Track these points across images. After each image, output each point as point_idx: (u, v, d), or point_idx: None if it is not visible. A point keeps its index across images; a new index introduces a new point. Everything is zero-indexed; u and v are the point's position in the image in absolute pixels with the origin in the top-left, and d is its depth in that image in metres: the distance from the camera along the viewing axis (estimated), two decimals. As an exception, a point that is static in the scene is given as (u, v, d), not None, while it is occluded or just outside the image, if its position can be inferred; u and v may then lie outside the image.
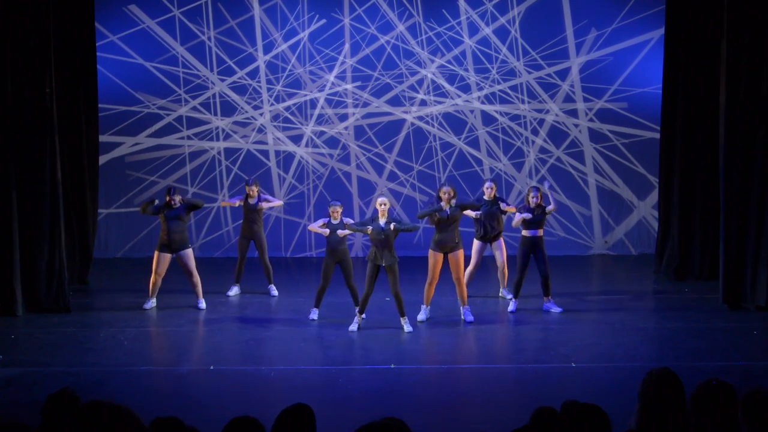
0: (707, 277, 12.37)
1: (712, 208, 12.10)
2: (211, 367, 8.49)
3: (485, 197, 11.06)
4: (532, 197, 10.54)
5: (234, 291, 11.70)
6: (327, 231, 10.23)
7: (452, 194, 10.01)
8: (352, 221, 10.53)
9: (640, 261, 14.21)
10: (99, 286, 12.47)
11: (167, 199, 10.77)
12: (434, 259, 10.09)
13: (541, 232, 10.59)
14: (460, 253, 10.10)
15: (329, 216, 10.33)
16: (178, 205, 10.78)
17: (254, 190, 11.54)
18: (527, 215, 10.48)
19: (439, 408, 7.43)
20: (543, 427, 4.08)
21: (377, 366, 8.55)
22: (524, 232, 10.60)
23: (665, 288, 12.25)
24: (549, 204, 10.77)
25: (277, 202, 12.02)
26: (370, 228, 9.67)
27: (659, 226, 13.23)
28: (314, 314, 10.35)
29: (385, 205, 9.76)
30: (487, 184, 11.12)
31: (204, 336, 9.91)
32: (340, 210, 10.29)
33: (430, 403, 7.54)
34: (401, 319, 9.82)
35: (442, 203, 9.99)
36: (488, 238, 11.12)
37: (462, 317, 10.22)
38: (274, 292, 11.68)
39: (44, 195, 10.59)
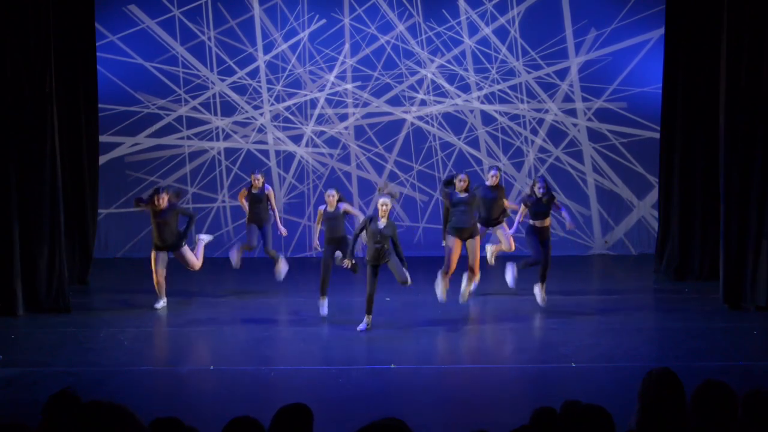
0: (707, 277, 12.36)
1: (712, 208, 12.09)
2: (211, 367, 8.49)
3: (488, 183, 11.21)
4: (538, 188, 10.52)
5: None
6: (317, 244, 10.25)
7: (467, 183, 10.05)
8: (347, 205, 10.30)
9: (640, 261, 14.21)
10: (99, 286, 12.47)
11: (154, 198, 10.64)
12: (451, 243, 9.92)
13: (547, 222, 10.61)
14: (478, 240, 10.07)
15: (325, 204, 10.24)
16: (166, 206, 10.66)
17: (260, 179, 11.63)
18: (512, 230, 10.76)
19: (439, 408, 7.43)
20: (543, 427, 4.08)
21: (377, 366, 8.55)
22: (530, 222, 10.62)
23: (665, 288, 12.24)
24: (560, 207, 10.79)
25: (276, 209, 11.98)
26: (363, 224, 9.49)
27: (659, 225, 13.23)
28: (324, 309, 10.24)
29: (386, 206, 9.41)
30: (492, 172, 11.24)
31: (204, 336, 9.91)
32: (336, 196, 10.21)
33: (430, 403, 7.53)
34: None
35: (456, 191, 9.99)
36: (490, 223, 11.23)
37: (468, 289, 10.21)
38: (284, 268, 11.78)
39: (44, 195, 10.59)
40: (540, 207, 10.53)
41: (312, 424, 3.91)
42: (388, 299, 10.52)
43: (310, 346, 9.35)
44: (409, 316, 10.12)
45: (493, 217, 11.27)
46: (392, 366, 8.48)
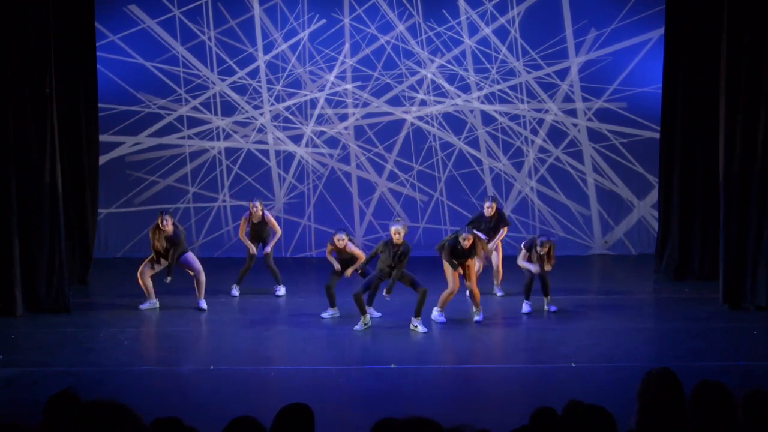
0: (707, 277, 12.36)
1: (712, 208, 12.10)
2: (211, 367, 8.49)
3: (486, 215, 11.28)
4: (539, 249, 10.54)
5: (235, 292, 11.73)
6: (338, 266, 10.33)
7: (471, 242, 10.00)
8: (354, 247, 10.45)
9: (640, 261, 14.21)
10: (99, 286, 12.46)
11: (159, 221, 10.67)
12: (450, 267, 10.02)
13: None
14: (473, 261, 10.13)
15: (333, 244, 10.36)
16: (171, 231, 10.67)
17: (258, 207, 11.50)
18: (533, 267, 10.60)
19: (439, 408, 7.43)
20: (542, 427, 4.08)
21: (377, 366, 8.55)
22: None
23: (665, 288, 12.24)
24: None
25: (278, 234, 11.73)
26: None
27: (659, 226, 13.24)
28: (329, 313, 10.43)
29: (399, 234, 9.72)
30: (487, 204, 11.27)
31: (204, 336, 9.91)
32: (345, 240, 10.33)
33: (430, 403, 7.53)
34: (415, 318, 9.83)
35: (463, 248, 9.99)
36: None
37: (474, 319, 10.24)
38: (280, 291, 11.70)
39: (44, 195, 10.59)
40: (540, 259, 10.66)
41: (314, 424, 3.92)
42: (388, 299, 10.51)
43: (310, 346, 9.36)
44: (409, 316, 10.12)
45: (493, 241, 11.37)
46: (392, 366, 8.48)
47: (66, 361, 8.67)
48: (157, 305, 10.92)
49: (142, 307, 10.83)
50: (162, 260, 10.81)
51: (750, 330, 9.79)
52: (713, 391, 3.91)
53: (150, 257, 10.85)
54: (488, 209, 11.29)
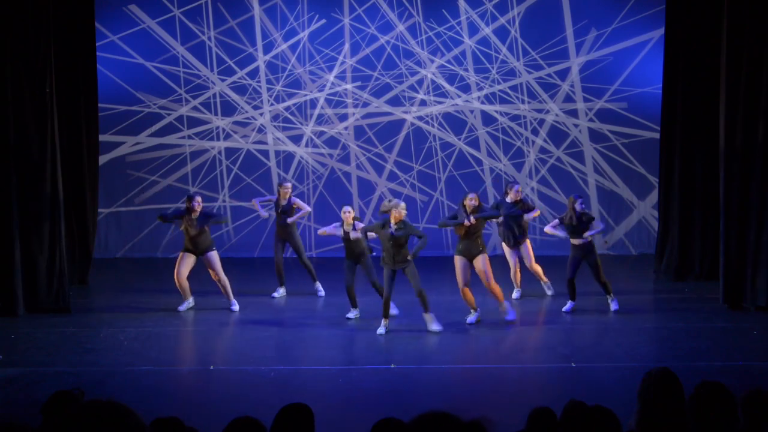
0: (707, 277, 12.36)
1: (712, 208, 12.09)
2: (211, 367, 8.49)
3: (508, 199, 11.19)
4: (579, 205, 10.49)
5: (279, 293, 11.65)
6: (340, 231, 10.21)
7: (477, 202, 9.96)
8: (362, 225, 10.42)
9: (640, 261, 14.21)
10: (99, 286, 12.46)
11: (188, 206, 10.64)
12: (460, 263, 9.95)
13: (590, 238, 10.55)
14: (484, 258, 9.98)
15: (341, 221, 10.30)
16: (198, 214, 10.65)
17: (288, 189, 11.51)
18: (561, 234, 10.56)
19: (439, 408, 7.42)
20: (540, 427, 4.07)
21: (377, 366, 8.55)
22: (573, 241, 10.58)
23: (665, 288, 12.24)
24: (593, 218, 10.74)
25: (306, 210, 11.66)
26: (375, 234, 9.58)
27: (659, 226, 13.23)
28: (353, 313, 10.34)
29: (398, 214, 9.53)
30: (515, 188, 11.18)
31: (204, 336, 9.90)
32: (352, 213, 10.27)
33: (430, 403, 7.51)
34: (425, 315, 9.73)
35: (466, 209, 9.91)
36: (516, 243, 11.16)
37: (506, 316, 10.11)
38: (321, 291, 11.61)
39: (44, 195, 10.59)
40: (575, 228, 10.50)
41: (313, 424, 3.92)
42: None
43: (310, 346, 9.36)
44: (409, 316, 10.11)
45: (520, 237, 11.28)
46: (392, 366, 8.48)
47: (66, 361, 8.66)
48: (193, 304, 10.87)
49: (180, 308, 10.76)
50: (192, 254, 10.70)
51: (750, 330, 9.78)
52: (713, 391, 3.91)
53: (180, 255, 10.77)
54: (515, 193, 11.18)
